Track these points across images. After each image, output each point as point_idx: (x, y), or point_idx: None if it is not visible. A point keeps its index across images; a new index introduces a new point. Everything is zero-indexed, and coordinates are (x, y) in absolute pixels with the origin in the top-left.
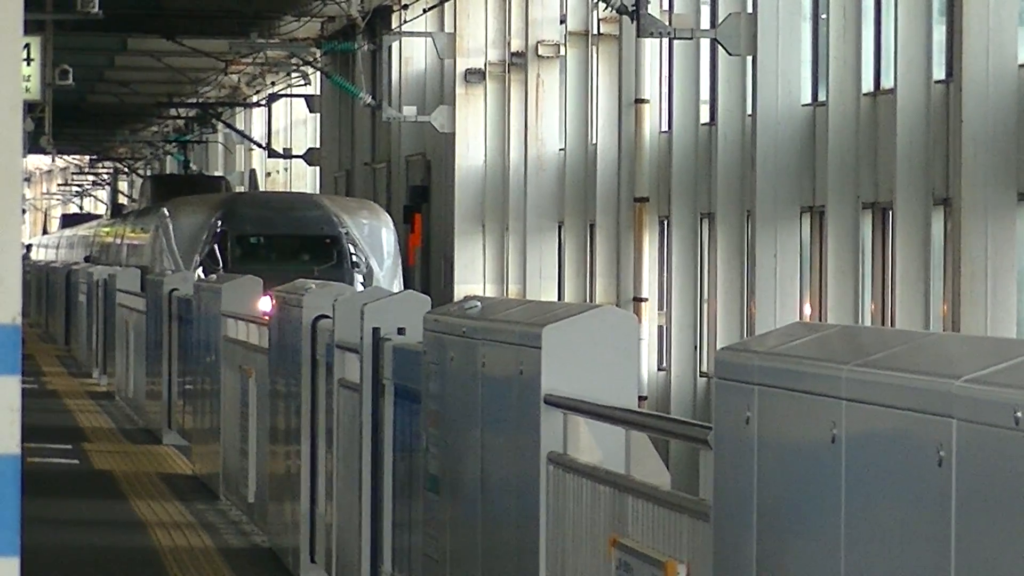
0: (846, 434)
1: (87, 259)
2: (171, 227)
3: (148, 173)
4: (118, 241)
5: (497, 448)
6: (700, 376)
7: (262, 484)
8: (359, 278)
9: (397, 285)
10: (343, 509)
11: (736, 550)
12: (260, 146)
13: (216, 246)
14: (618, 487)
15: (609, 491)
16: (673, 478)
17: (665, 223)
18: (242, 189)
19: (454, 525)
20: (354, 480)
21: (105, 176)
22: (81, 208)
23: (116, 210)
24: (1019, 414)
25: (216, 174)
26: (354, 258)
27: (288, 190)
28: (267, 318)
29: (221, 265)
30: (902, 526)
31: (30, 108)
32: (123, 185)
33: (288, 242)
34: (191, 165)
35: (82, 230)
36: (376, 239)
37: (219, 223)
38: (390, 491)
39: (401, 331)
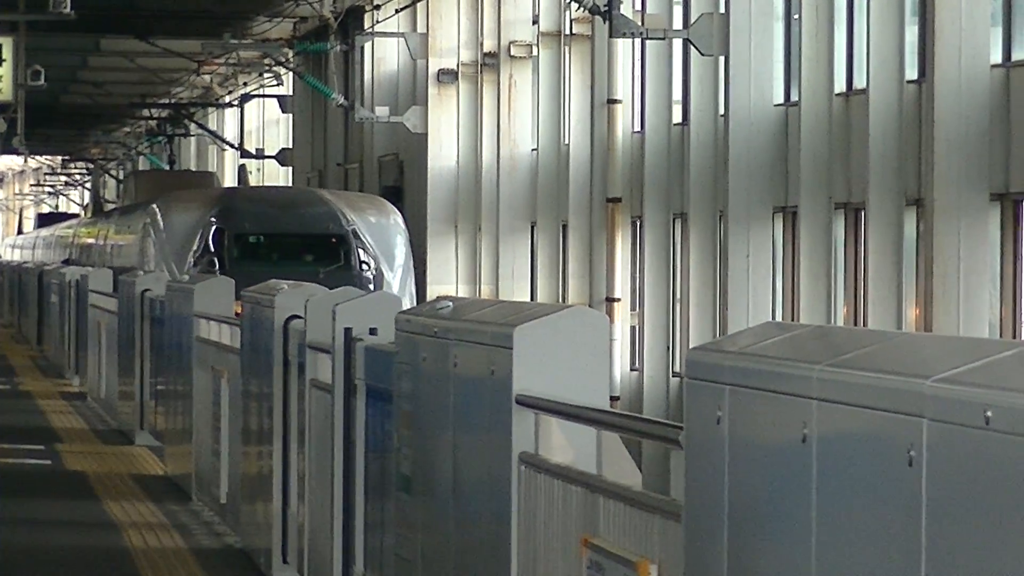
0: (817, 434)
1: (67, 261)
2: (161, 225)
3: (120, 173)
4: (101, 241)
5: (469, 448)
6: (673, 376)
7: (234, 485)
8: (368, 282)
9: (409, 293)
10: (315, 510)
11: (707, 550)
12: (232, 146)
13: (211, 246)
14: (590, 487)
15: (581, 491)
16: (645, 478)
17: (638, 223)
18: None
19: (426, 525)
20: (326, 481)
21: (78, 176)
22: (57, 207)
23: (98, 208)
24: (989, 414)
25: (205, 170)
26: (363, 260)
27: (287, 185)
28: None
29: (217, 267)
30: (872, 526)
31: (2, 109)
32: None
33: (290, 241)
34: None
35: (60, 230)
36: (386, 239)
37: (214, 221)
38: (362, 492)
39: (373, 331)
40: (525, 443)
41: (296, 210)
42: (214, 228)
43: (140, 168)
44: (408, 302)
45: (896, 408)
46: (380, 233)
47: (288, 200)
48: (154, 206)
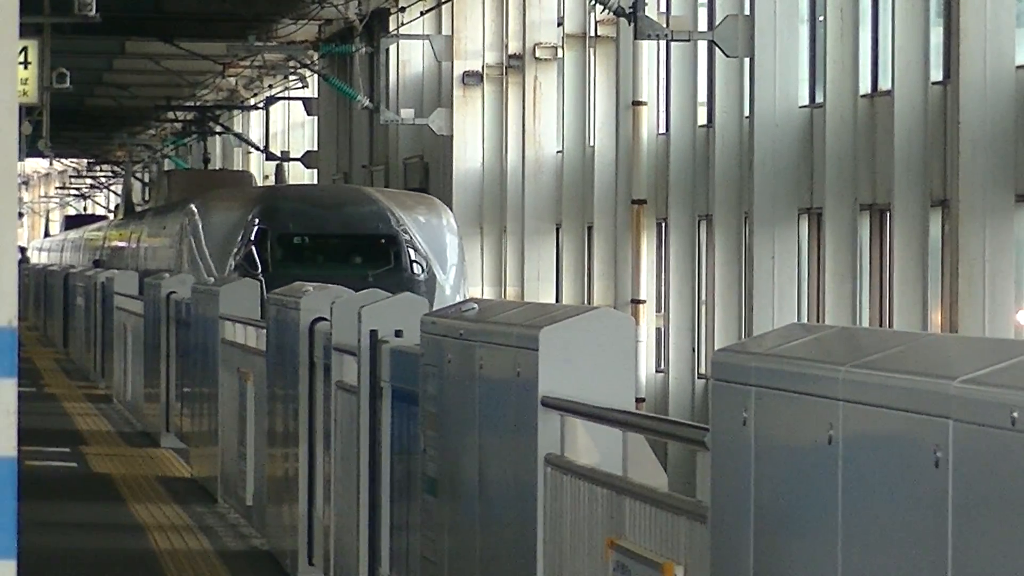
0: (843, 435)
1: (96, 263)
2: (200, 226)
3: (146, 175)
4: (134, 243)
5: (494, 450)
6: (698, 378)
7: (260, 487)
8: (420, 285)
9: (463, 297)
10: (341, 512)
11: (733, 552)
12: (258, 149)
13: (254, 248)
14: (615, 489)
15: (606, 493)
16: (671, 480)
17: (663, 225)
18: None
19: (452, 527)
20: (352, 483)
21: (103, 179)
22: (85, 209)
23: (129, 209)
24: (1016, 415)
25: (240, 169)
26: (414, 263)
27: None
28: None
29: (260, 269)
30: (899, 527)
31: (28, 111)
32: (121, 188)
33: (337, 243)
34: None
35: (89, 232)
36: (438, 240)
37: (257, 221)
38: (388, 494)
39: (399, 333)
40: (551, 445)
41: (343, 209)
42: (256, 229)
43: (168, 169)
44: None
45: (922, 409)
46: (431, 233)
47: (334, 199)
48: (192, 206)
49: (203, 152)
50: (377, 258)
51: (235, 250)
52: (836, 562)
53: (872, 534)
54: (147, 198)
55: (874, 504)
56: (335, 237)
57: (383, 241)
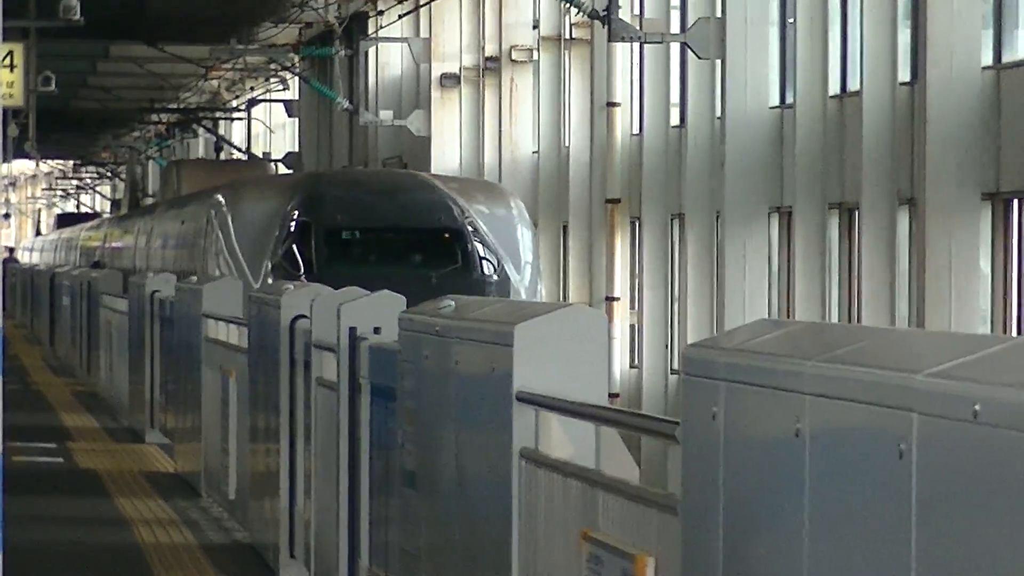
0: (809, 428)
1: (97, 264)
2: (229, 220)
3: (125, 175)
4: (142, 241)
5: (471, 445)
6: (671, 373)
7: (242, 481)
8: (492, 287)
9: (540, 297)
10: (321, 505)
11: (703, 543)
12: (240, 150)
13: (295, 245)
14: (589, 482)
15: (580, 486)
16: (643, 473)
17: (636, 224)
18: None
19: (430, 520)
20: (332, 477)
21: (88, 180)
22: (78, 208)
23: (135, 203)
24: (978, 408)
25: (259, 156)
26: (484, 261)
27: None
28: None
29: (303, 270)
30: (864, 518)
31: (14, 114)
32: (106, 189)
33: (394, 238)
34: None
35: (86, 230)
36: (509, 234)
37: (298, 212)
38: (367, 487)
39: (377, 330)
40: (525, 439)
41: (399, 198)
42: (298, 222)
43: (148, 173)
44: None
45: (887, 402)
46: (501, 226)
47: (389, 186)
48: (218, 196)
49: (216, 142)
50: (441, 256)
51: (272, 247)
52: (803, 552)
53: (838, 525)
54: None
55: (840, 495)
56: (391, 231)
57: (448, 236)
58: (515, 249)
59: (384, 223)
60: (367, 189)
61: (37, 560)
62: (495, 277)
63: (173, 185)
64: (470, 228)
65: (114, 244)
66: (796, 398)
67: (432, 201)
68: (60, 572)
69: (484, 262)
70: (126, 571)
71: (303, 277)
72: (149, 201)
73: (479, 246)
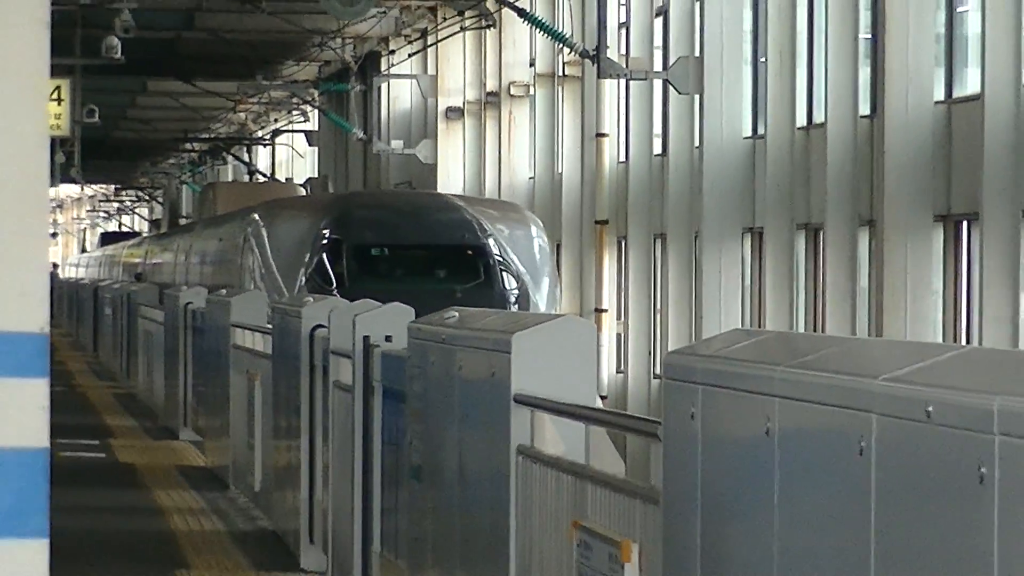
0: (779, 428)
1: (138, 278)
2: (265, 237)
3: (166, 199)
4: (182, 257)
5: (472, 442)
6: (654, 377)
7: (267, 475)
8: (512, 302)
9: (558, 310)
10: (337, 496)
11: (683, 531)
12: (265, 176)
13: (327, 261)
14: (579, 476)
15: (571, 479)
16: (628, 468)
17: (623, 242)
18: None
19: (434, 510)
20: (347, 470)
21: (128, 203)
22: (120, 227)
23: (174, 222)
24: (930, 409)
25: (286, 180)
26: (505, 276)
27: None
28: None
29: (334, 284)
30: (827, 509)
31: (61, 143)
32: (144, 210)
33: (419, 255)
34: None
35: (127, 247)
36: (528, 250)
37: (329, 231)
38: (379, 480)
39: (388, 339)
40: (522, 437)
41: (425, 218)
42: (329, 239)
43: (182, 197)
44: None
45: (848, 404)
46: (521, 244)
47: (415, 206)
48: (254, 215)
49: (248, 165)
50: (465, 272)
51: (306, 263)
52: (773, 540)
53: (804, 516)
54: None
55: (806, 489)
56: (417, 248)
57: (471, 252)
58: (533, 264)
59: (411, 240)
60: (394, 209)
61: (82, 545)
62: (516, 291)
63: (210, 205)
64: (492, 245)
65: (155, 260)
66: (766, 400)
67: (456, 220)
68: (102, 556)
69: (505, 277)
70: (161, 555)
71: (335, 291)
72: (183, 222)
73: (500, 262)
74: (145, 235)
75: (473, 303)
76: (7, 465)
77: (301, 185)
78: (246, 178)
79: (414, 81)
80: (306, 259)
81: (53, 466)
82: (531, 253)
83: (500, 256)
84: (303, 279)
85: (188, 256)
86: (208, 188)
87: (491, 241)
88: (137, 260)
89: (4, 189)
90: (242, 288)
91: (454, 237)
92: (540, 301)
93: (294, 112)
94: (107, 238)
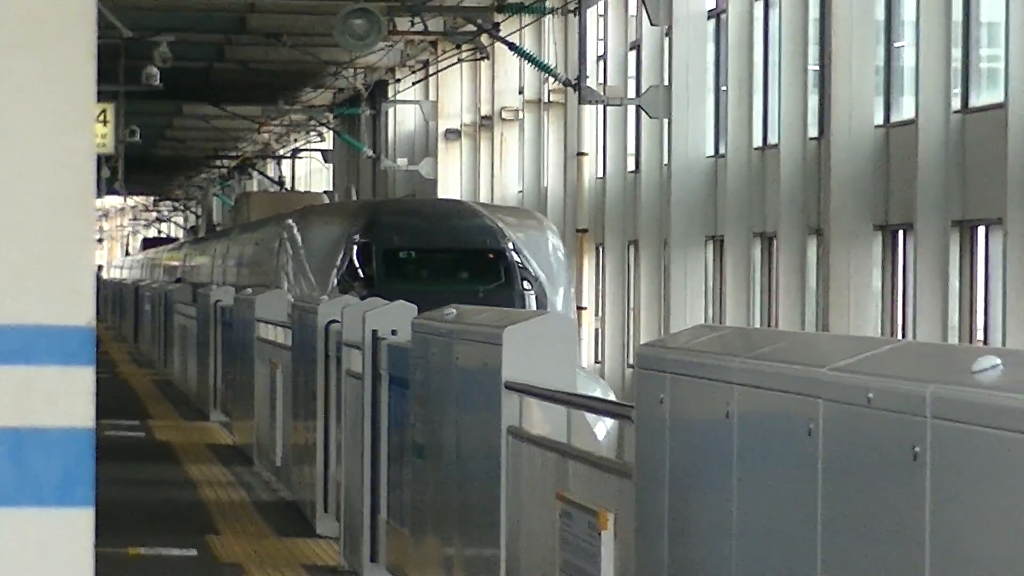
0: (737, 412)
1: (179, 280)
2: (299, 241)
3: (199, 209)
4: (219, 260)
5: (468, 423)
6: (628, 367)
7: (286, 452)
8: (531, 301)
9: (573, 312)
10: (349, 471)
11: (653, 503)
12: (286, 189)
13: (357, 263)
14: (561, 453)
15: (554, 456)
16: (605, 446)
17: (601, 249)
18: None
19: (435, 484)
20: (357, 448)
21: (166, 212)
22: (160, 233)
23: (210, 228)
24: (871, 395)
25: (317, 190)
26: (524, 279)
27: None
28: None
29: (366, 285)
30: (780, 485)
31: (106, 159)
32: (179, 219)
33: (444, 258)
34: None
35: (167, 251)
36: (544, 253)
37: (360, 235)
38: (385, 457)
39: (394, 333)
40: (511, 419)
41: (449, 223)
42: (360, 243)
43: (213, 207)
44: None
45: (799, 391)
46: (538, 248)
47: (440, 213)
48: (289, 220)
49: (279, 175)
50: (486, 273)
51: (338, 265)
52: (732, 511)
53: (759, 490)
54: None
55: (761, 466)
56: (442, 252)
57: (492, 256)
58: (549, 267)
59: (436, 244)
60: (421, 215)
61: (123, 515)
62: (533, 292)
63: (244, 212)
64: (511, 249)
65: (193, 263)
66: (726, 387)
67: (477, 225)
68: (141, 523)
69: (523, 278)
70: (194, 522)
71: (365, 293)
72: (217, 229)
73: (519, 265)
74: (183, 240)
75: (494, 303)
76: (58, 443)
77: (324, 194)
78: (272, 189)
79: (417, 106)
80: (338, 261)
81: (98, 444)
82: (547, 256)
83: (519, 259)
84: (335, 280)
85: (225, 259)
86: (242, 197)
87: (510, 245)
88: (176, 263)
89: (55, 199)
90: (278, 288)
91: (476, 241)
92: (557, 301)
93: (311, 133)
94: (147, 243)
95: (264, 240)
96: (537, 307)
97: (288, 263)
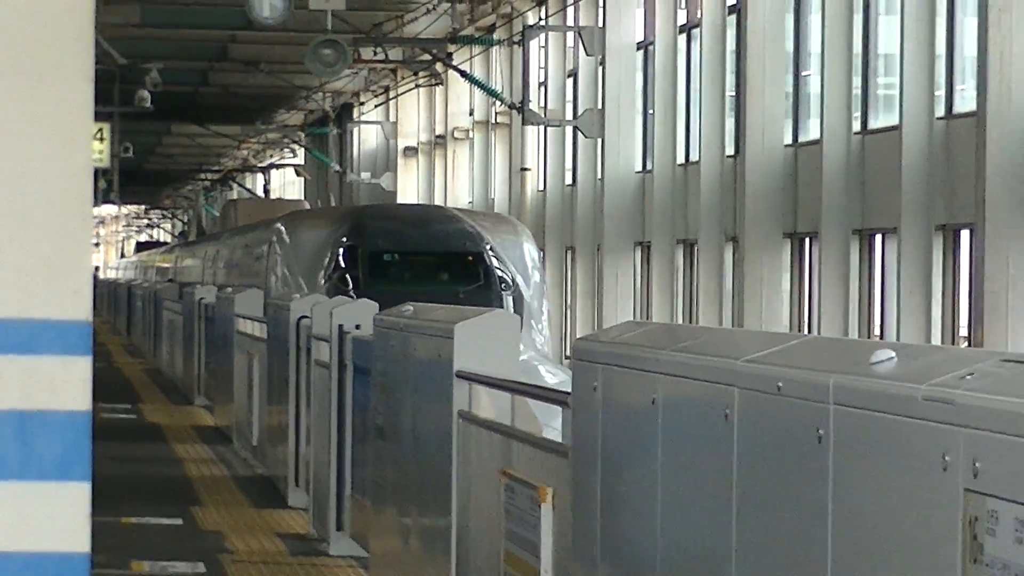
0: (662, 399)
1: (170, 280)
2: (288, 244)
3: (185, 217)
4: (209, 262)
5: (423, 408)
6: (565, 358)
7: (262, 432)
8: (509, 301)
9: (547, 312)
10: (318, 449)
11: (587, 479)
12: (259, 198)
13: (344, 265)
14: (506, 435)
15: (500, 438)
16: (543, 429)
17: (542, 254)
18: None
19: (393, 462)
20: (325, 430)
21: (155, 219)
22: (151, 236)
23: (200, 232)
24: (780, 384)
25: (296, 198)
26: (502, 280)
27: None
28: None
29: (351, 286)
30: (700, 464)
31: (103, 172)
32: (168, 225)
33: (426, 260)
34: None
35: (159, 253)
36: (519, 256)
37: (346, 239)
38: (350, 437)
39: (358, 327)
40: (462, 404)
41: (430, 227)
42: (346, 246)
43: (202, 215)
44: (545, 319)
45: (717, 380)
46: (513, 251)
47: (421, 217)
48: (278, 225)
49: (266, 184)
50: (466, 275)
51: (325, 267)
52: (657, 487)
53: (682, 468)
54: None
55: (683, 447)
56: (425, 254)
57: (471, 259)
58: (524, 269)
59: (419, 248)
60: (404, 220)
61: (117, 488)
62: (510, 292)
63: (231, 218)
64: (489, 252)
65: (184, 264)
66: (652, 377)
67: (457, 230)
68: (134, 495)
69: (501, 280)
70: (180, 495)
71: (352, 292)
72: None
73: (497, 266)
74: (173, 244)
75: (474, 303)
76: (59, 424)
77: (304, 201)
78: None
79: (379, 126)
80: (325, 263)
81: (95, 425)
82: (522, 259)
83: (497, 262)
84: (323, 281)
85: (215, 261)
86: (229, 204)
87: (489, 248)
88: (167, 265)
89: (57, 208)
90: (267, 289)
91: (457, 245)
92: (533, 301)
93: (285, 150)
94: (140, 247)
95: (254, 243)
96: (514, 306)
97: (277, 265)
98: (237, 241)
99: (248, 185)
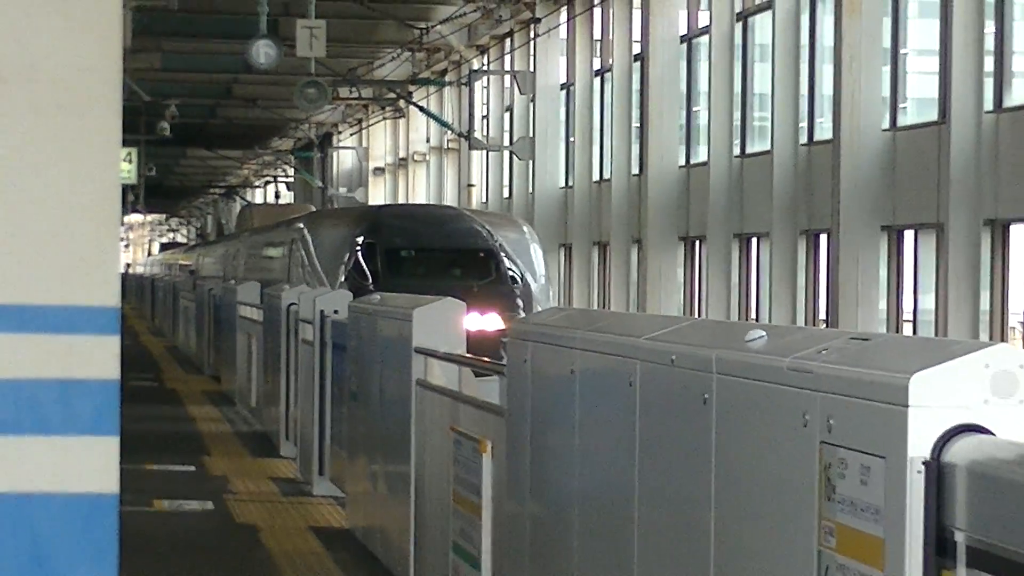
0: (579, 370)
1: (192, 274)
2: (310, 242)
3: (199, 223)
4: (231, 259)
5: (388, 377)
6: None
7: (259, 396)
8: (518, 296)
9: (551, 301)
10: (304, 410)
11: (519, 435)
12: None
13: (363, 261)
14: (454, 398)
15: (449, 400)
16: (487, 396)
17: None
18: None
19: (364, 420)
20: (310, 394)
21: (174, 225)
22: (172, 238)
23: (220, 233)
24: (674, 358)
25: (303, 204)
26: (512, 274)
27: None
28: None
29: (370, 280)
30: (609, 423)
31: (130, 188)
32: (184, 231)
33: (440, 256)
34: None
35: (182, 251)
36: (526, 252)
37: (364, 237)
38: (330, 400)
39: (336, 312)
40: (419, 373)
41: (444, 226)
42: (365, 244)
43: (209, 222)
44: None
45: (623, 354)
46: (520, 247)
47: (434, 216)
48: (300, 224)
49: (276, 192)
50: (479, 270)
51: (345, 263)
52: (575, 441)
53: (595, 428)
54: (199, 230)
55: (595, 410)
56: (439, 251)
57: (483, 255)
58: (531, 264)
59: (433, 244)
60: (419, 219)
61: (140, 443)
62: (519, 286)
63: (248, 220)
64: (499, 248)
65: (205, 261)
66: (571, 352)
67: (469, 228)
68: (154, 448)
69: (511, 275)
70: (193, 448)
71: (370, 287)
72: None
73: (507, 262)
74: (194, 244)
75: (486, 297)
76: (93, 389)
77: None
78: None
79: (354, 151)
80: (345, 259)
81: (123, 390)
82: (529, 255)
83: (506, 257)
84: (343, 276)
85: (236, 258)
86: (246, 208)
87: (498, 245)
88: (189, 263)
89: (92, 217)
90: (290, 283)
91: (469, 242)
92: (538, 293)
93: (278, 169)
94: (164, 247)
95: (277, 241)
96: (522, 299)
97: (299, 261)
98: (259, 239)
99: (248, 198)
